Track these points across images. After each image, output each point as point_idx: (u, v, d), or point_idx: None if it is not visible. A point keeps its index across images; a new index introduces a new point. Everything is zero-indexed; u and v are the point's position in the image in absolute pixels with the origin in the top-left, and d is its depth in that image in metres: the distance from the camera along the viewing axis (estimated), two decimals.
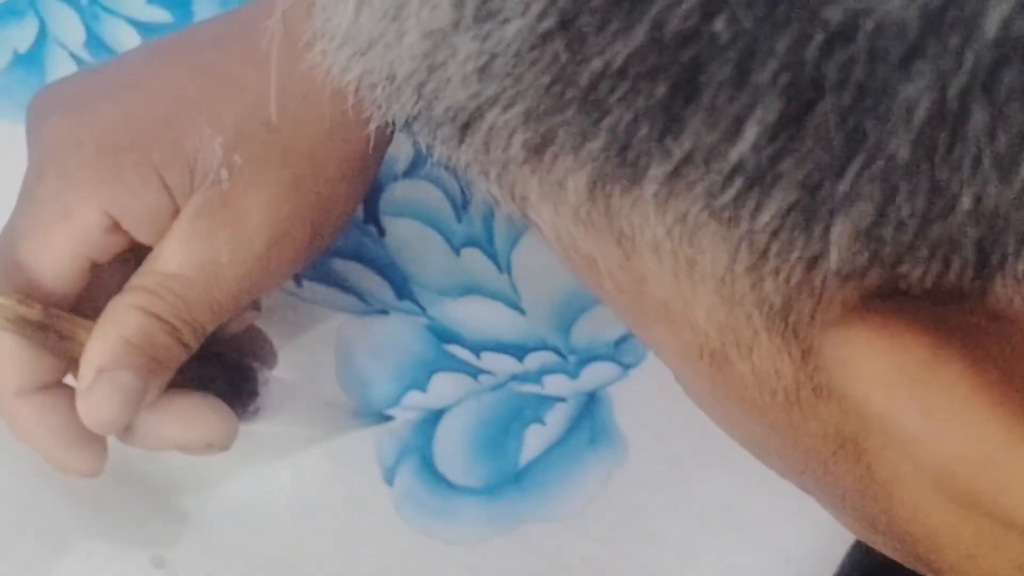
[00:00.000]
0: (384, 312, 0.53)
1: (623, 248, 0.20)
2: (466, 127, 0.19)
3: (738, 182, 0.17)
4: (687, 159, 0.17)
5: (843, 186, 0.16)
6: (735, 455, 0.28)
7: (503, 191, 0.20)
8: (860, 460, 0.21)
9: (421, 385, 0.52)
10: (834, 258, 0.17)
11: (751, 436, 0.25)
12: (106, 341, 0.42)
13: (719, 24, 0.15)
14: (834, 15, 0.15)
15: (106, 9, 0.56)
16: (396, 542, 0.50)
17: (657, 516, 0.51)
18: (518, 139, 0.18)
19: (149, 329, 0.42)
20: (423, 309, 0.53)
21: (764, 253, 0.18)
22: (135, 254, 0.44)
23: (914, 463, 0.19)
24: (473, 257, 0.53)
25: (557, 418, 0.52)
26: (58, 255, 0.42)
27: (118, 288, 0.43)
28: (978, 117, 0.15)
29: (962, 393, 0.17)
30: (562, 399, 0.52)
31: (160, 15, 0.56)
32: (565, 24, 0.16)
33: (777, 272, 0.18)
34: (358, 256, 0.54)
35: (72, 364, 0.43)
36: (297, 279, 0.53)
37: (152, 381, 0.43)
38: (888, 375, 0.18)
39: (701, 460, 0.51)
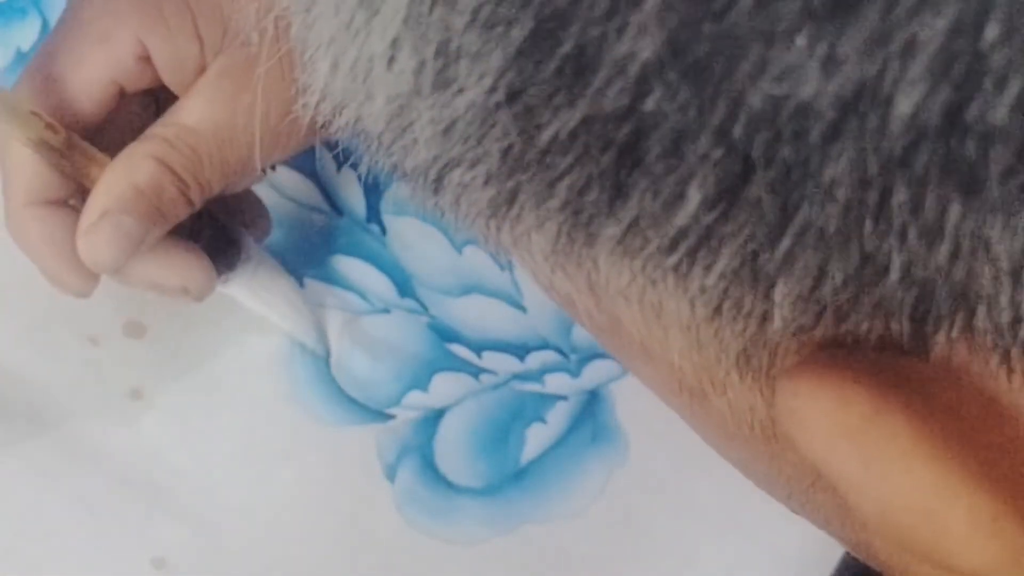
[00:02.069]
0: (386, 311, 0.53)
1: (595, 293, 0.21)
2: (436, 183, 0.20)
3: (683, 246, 0.17)
4: (635, 222, 0.17)
5: (780, 253, 0.17)
6: None
7: (481, 236, 0.21)
8: (836, 493, 0.22)
9: (422, 385, 0.52)
10: (778, 317, 0.18)
11: (736, 461, 0.26)
12: (116, 184, 0.43)
13: (650, 104, 0.16)
14: (755, 100, 0.15)
15: None
16: (397, 541, 0.50)
17: (658, 515, 0.51)
18: (483, 196, 0.19)
19: (160, 180, 0.43)
20: (425, 308, 0.53)
21: (718, 308, 0.19)
22: (158, 106, 0.46)
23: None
24: (475, 255, 0.53)
25: (558, 417, 0.52)
26: (91, 75, 0.44)
27: (137, 133, 0.45)
28: (900, 193, 0.16)
29: (902, 445, 0.18)
30: (563, 397, 0.52)
31: None
32: (513, 97, 0.17)
33: (733, 324, 0.19)
34: (360, 254, 0.54)
35: (81, 192, 0.45)
36: (299, 278, 0.53)
37: (152, 231, 0.44)
38: (831, 427, 0.19)
39: (702, 459, 0.50)
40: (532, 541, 0.50)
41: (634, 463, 0.51)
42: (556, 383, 0.52)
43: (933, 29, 0.14)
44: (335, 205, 0.54)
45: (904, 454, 0.18)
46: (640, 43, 0.15)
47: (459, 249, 0.53)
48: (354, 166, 0.53)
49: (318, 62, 0.20)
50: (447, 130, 0.18)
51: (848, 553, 0.49)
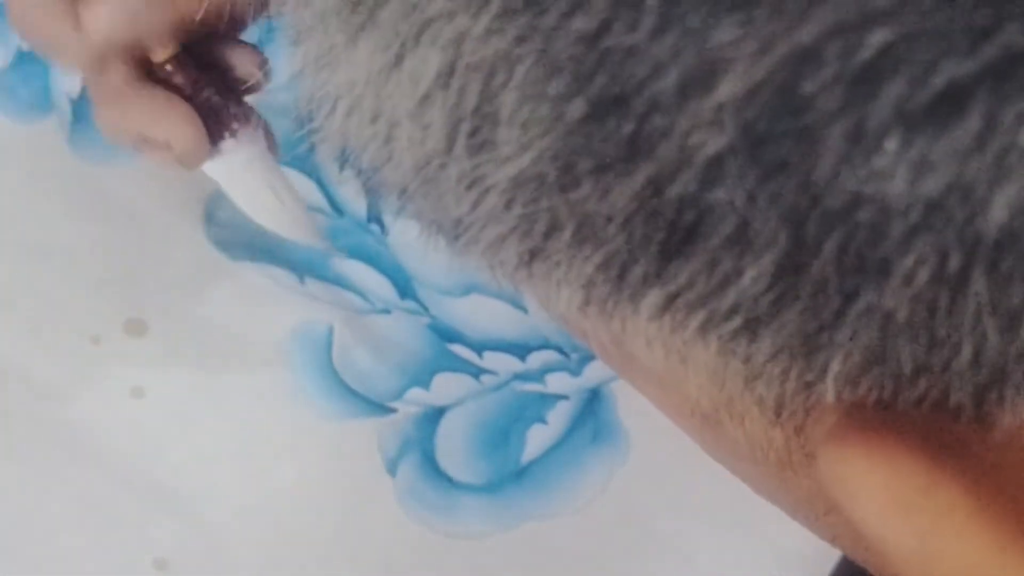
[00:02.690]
0: (386, 311, 0.53)
1: (615, 336, 0.20)
2: (456, 234, 0.19)
3: (735, 321, 0.17)
4: (681, 295, 0.17)
5: (841, 334, 0.16)
6: None
7: (497, 275, 0.20)
8: (852, 522, 0.21)
9: (424, 383, 0.52)
10: (830, 388, 0.18)
11: (744, 476, 0.26)
12: None
13: (716, 194, 0.15)
14: (833, 199, 0.15)
15: None
16: (398, 535, 0.50)
17: (658, 514, 0.51)
18: (509, 251, 0.18)
19: None
20: (425, 308, 0.53)
21: (759, 372, 0.18)
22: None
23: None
24: None
25: (559, 417, 0.52)
26: None
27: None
28: (979, 286, 0.15)
29: (958, 519, 0.18)
30: (565, 397, 0.52)
31: None
32: (561, 168, 0.16)
33: (773, 383, 0.18)
34: (361, 255, 0.54)
35: None
36: (299, 278, 0.53)
37: (156, 12, 0.42)
38: (885, 501, 0.18)
39: (703, 457, 0.50)
40: (533, 538, 0.50)
41: (635, 462, 0.51)
42: (557, 382, 0.52)
43: None
44: (335, 205, 0.54)
45: (960, 528, 0.18)
46: (711, 134, 0.15)
47: None
48: (359, 173, 0.52)
49: (331, 103, 0.19)
50: (482, 192, 0.17)
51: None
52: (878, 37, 0.14)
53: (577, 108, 0.15)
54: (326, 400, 0.51)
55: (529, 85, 0.16)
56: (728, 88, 0.14)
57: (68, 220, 0.50)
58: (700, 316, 0.17)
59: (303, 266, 0.53)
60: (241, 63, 0.46)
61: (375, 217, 0.54)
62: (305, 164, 0.54)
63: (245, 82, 0.46)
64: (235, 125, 0.44)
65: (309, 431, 0.51)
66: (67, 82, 0.53)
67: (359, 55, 0.17)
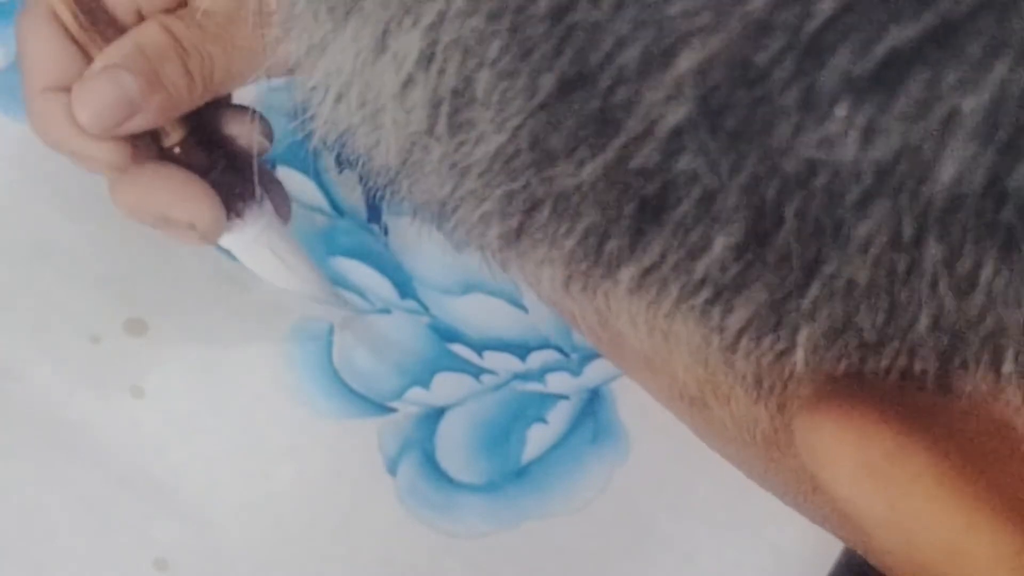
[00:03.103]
0: (387, 311, 0.53)
1: (600, 314, 0.21)
2: (443, 216, 0.20)
3: (705, 292, 0.17)
4: (655, 267, 0.17)
5: (806, 301, 0.17)
6: None
7: (486, 257, 0.21)
8: (826, 491, 0.22)
9: (424, 383, 0.52)
10: (800, 357, 0.18)
11: (735, 460, 0.26)
12: (120, 44, 0.43)
13: (680, 163, 0.16)
14: (790, 164, 0.15)
15: None
16: (399, 534, 0.50)
17: (658, 514, 0.51)
18: (493, 231, 0.19)
19: (161, 43, 0.43)
20: (426, 308, 0.53)
21: (735, 343, 0.19)
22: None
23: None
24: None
25: (559, 416, 0.52)
26: None
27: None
28: (934, 250, 0.16)
29: (927, 484, 0.18)
30: (565, 397, 0.52)
31: None
32: (535, 144, 0.17)
33: (748, 356, 0.19)
34: (361, 255, 0.54)
35: None
36: None
37: (149, 98, 0.43)
38: (855, 467, 0.19)
39: (703, 457, 0.50)
40: (533, 537, 0.50)
41: (635, 461, 0.51)
42: (557, 382, 0.52)
43: (978, 100, 0.14)
44: (335, 205, 0.54)
45: (928, 492, 0.18)
46: (671, 106, 0.15)
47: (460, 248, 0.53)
48: (355, 167, 0.52)
49: (322, 91, 0.19)
50: (462, 172, 0.18)
51: (846, 552, 0.49)
52: (825, 6, 0.14)
53: (547, 84, 0.16)
54: (326, 400, 0.51)
55: (502, 63, 0.16)
56: (686, 61, 0.15)
57: (68, 220, 0.50)
58: (674, 289, 0.18)
59: None
60: (243, 132, 0.47)
61: (375, 217, 0.54)
62: (305, 164, 0.54)
63: (249, 151, 0.47)
64: (241, 204, 0.46)
65: (309, 431, 0.51)
66: None
67: (346, 42, 0.18)
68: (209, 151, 0.46)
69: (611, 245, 0.17)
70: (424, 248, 0.54)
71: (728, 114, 0.15)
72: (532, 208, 0.18)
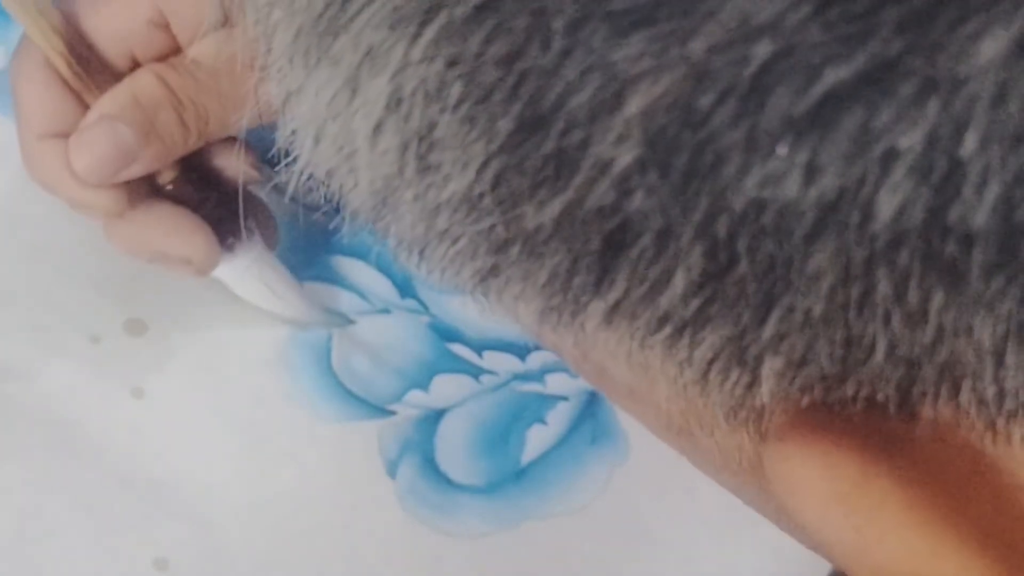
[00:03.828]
0: (386, 311, 0.53)
1: (581, 347, 0.21)
2: (420, 255, 0.20)
3: (670, 326, 0.18)
4: (622, 302, 0.18)
5: (766, 333, 0.17)
6: None
7: (469, 293, 0.21)
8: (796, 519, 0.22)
9: (423, 385, 0.52)
10: (765, 390, 0.19)
11: (730, 488, 0.27)
12: (115, 94, 0.44)
13: (633, 203, 0.16)
14: (737, 202, 0.16)
15: None
16: (399, 535, 0.50)
17: (658, 514, 0.51)
18: (467, 270, 0.19)
19: (157, 94, 0.44)
20: (426, 307, 0.53)
21: (704, 375, 0.19)
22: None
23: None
24: None
25: (559, 417, 0.52)
26: (104, 26, 0.44)
27: None
28: (884, 284, 0.16)
29: (892, 511, 0.19)
30: (564, 398, 0.52)
31: None
32: (498, 186, 0.17)
33: (720, 388, 0.19)
34: (361, 255, 0.54)
35: None
36: (299, 278, 0.53)
37: (144, 148, 0.44)
38: (821, 494, 0.19)
39: None
40: (533, 537, 0.50)
41: (635, 462, 0.51)
42: (557, 383, 0.52)
43: (912, 138, 0.14)
44: (336, 205, 0.54)
45: (894, 519, 0.19)
46: (621, 148, 0.16)
47: None
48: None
49: (301, 134, 0.20)
50: (433, 213, 0.19)
51: None
52: (761, 50, 0.14)
53: (504, 128, 0.17)
54: (326, 402, 0.52)
55: (462, 108, 0.17)
56: (633, 104, 0.15)
57: (68, 220, 0.50)
58: (641, 323, 0.18)
59: (302, 267, 0.53)
60: (230, 164, 0.48)
61: None
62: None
63: (241, 182, 0.48)
64: (231, 238, 0.47)
65: (309, 432, 0.51)
66: None
67: (319, 87, 0.19)
68: (200, 185, 0.47)
69: (578, 281, 0.18)
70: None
71: (676, 155, 0.16)
72: (502, 247, 0.18)
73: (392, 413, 0.52)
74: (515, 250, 0.18)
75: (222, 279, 0.49)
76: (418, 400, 0.52)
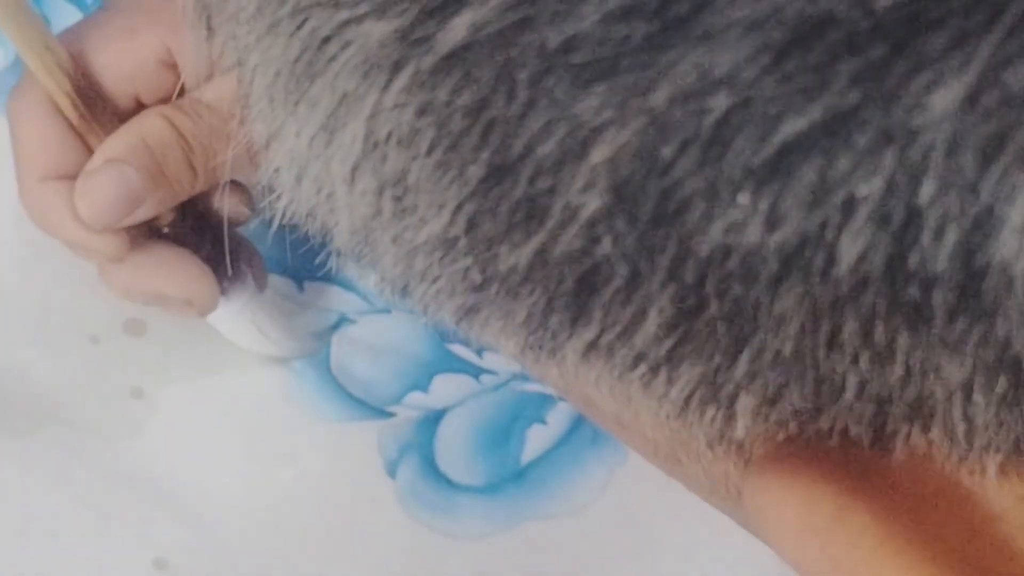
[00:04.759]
0: (386, 311, 0.53)
1: (566, 379, 0.22)
2: (403, 292, 0.21)
3: (645, 365, 0.18)
4: (597, 341, 0.18)
5: (738, 372, 0.18)
6: None
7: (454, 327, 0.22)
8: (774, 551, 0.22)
9: (423, 386, 0.52)
10: (741, 424, 0.19)
11: (723, 510, 0.27)
12: (123, 137, 0.43)
13: (601, 248, 0.17)
14: (702, 248, 0.16)
15: None
16: (399, 536, 0.50)
17: (658, 515, 0.51)
18: (448, 307, 0.20)
19: (166, 137, 0.43)
20: None
21: (682, 411, 0.19)
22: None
23: None
24: None
25: (559, 417, 0.52)
26: (111, 65, 0.43)
27: None
28: (850, 326, 0.16)
29: (868, 545, 0.19)
30: (564, 398, 0.52)
31: None
32: (471, 229, 0.18)
33: (700, 421, 0.20)
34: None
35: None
36: (299, 279, 0.53)
37: (152, 193, 0.43)
38: (799, 528, 0.19)
39: None
40: (533, 538, 0.50)
41: (635, 462, 0.51)
42: None
43: (870, 187, 0.15)
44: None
45: (871, 552, 0.19)
46: (588, 195, 0.16)
47: None
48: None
49: (284, 174, 0.20)
50: (411, 253, 0.19)
51: None
52: (720, 102, 0.15)
53: (475, 174, 0.17)
54: (325, 403, 0.52)
55: (434, 154, 0.17)
56: (599, 153, 0.16)
57: None
58: (618, 360, 0.19)
59: (302, 267, 0.53)
60: (223, 205, 0.47)
61: None
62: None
63: (234, 221, 0.47)
64: (225, 282, 0.47)
65: (309, 432, 0.51)
66: None
67: (297, 130, 0.19)
68: (197, 227, 0.46)
69: (555, 320, 0.18)
70: None
71: (641, 203, 0.16)
72: (480, 287, 0.19)
73: (392, 415, 0.52)
74: (493, 290, 0.18)
75: (213, 323, 0.48)
76: (418, 401, 0.52)
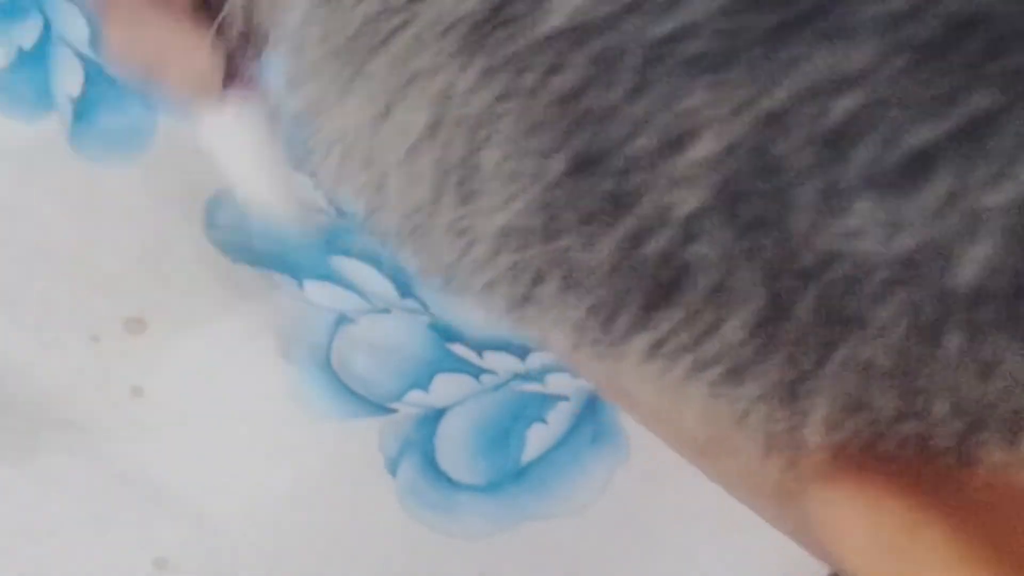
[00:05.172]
0: (386, 311, 0.53)
1: (608, 371, 0.20)
2: (448, 280, 0.19)
3: (716, 369, 0.17)
4: (666, 341, 0.17)
5: (820, 384, 0.17)
6: None
7: (499, 318, 0.20)
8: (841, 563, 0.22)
9: (423, 385, 0.52)
10: (813, 431, 0.18)
11: (746, 503, 0.26)
12: None
13: (693, 250, 0.16)
14: (808, 256, 0.15)
15: None
16: (399, 535, 0.50)
17: (659, 514, 0.51)
18: (498, 298, 0.19)
19: None
20: (426, 307, 0.53)
21: (745, 415, 0.18)
22: None
23: None
24: None
25: (559, 417, 0.52)
26: None
27: None
28: (955, 339, 0.15)
29: (943, 558, 0.18)
30: (565, 397, 0.52)
31: None
32: (543, 219, 0.17)
33: (762, 424, 0.19)
34: (360, 255, 0.54)
35: None
36: (299, 278, 0.53)
37: None
38: (868, 543, 0.18)
39: None
40: (534, 537, 0.50)
41: (635, 462, 0.51)
42: (558, 383, 0.52)
43: (1003, 196, 0.14)
44: (336, 205, 0.54)
45: (945, 566, 0.18)
46: (687, 192, 0.15)
47: None
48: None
49: (329, 146, 0.19)
50: (469, 241, 0.18)
51: None
52: (847, 102, 0.14)
53: (558, 164, 0.16)
54: (326, 401, 0.51)
55: (512, 140, 0.16)
56: (702, 148, 0.15)
57: (68, 220, 0.50)
58: (685, 362, 0.18)
59: (302, 269, 0.53)
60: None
61: None
62: (305, 164, 0.54)
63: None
64: (227, 80, 0.42)
65: (309, 431, 0.51)
66: (68, 82, 0.53)
67: (350, 105, 0.18)
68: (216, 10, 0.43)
69: (621, 320, 0.17)
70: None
71: (745, 203, 0.15)
72: (540, 279, 0.18)
73: (393, 411, 0.52)
74: (554, 283, 0.18)
75: (208, 134, 0.44)
76: (418, 400, 0.52)
